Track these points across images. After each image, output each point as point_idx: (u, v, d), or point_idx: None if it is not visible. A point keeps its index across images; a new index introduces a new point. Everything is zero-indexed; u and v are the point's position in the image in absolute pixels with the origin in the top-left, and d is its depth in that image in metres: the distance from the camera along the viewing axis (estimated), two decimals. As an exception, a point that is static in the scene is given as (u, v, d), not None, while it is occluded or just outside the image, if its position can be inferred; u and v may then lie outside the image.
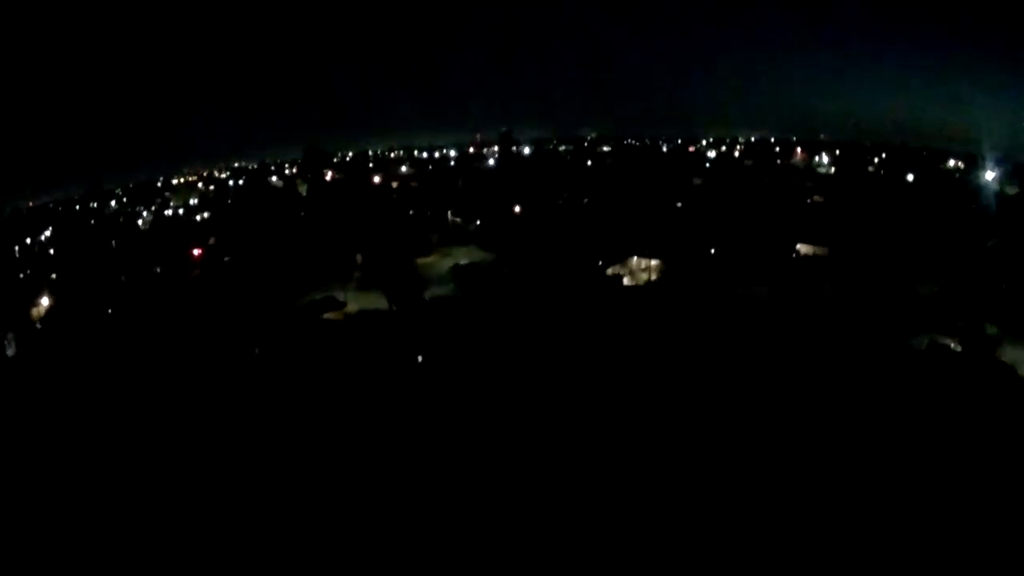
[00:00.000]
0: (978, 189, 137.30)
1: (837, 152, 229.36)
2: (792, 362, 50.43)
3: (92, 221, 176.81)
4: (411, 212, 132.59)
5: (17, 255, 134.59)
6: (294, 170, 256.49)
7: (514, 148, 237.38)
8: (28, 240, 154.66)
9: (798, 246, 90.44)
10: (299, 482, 38.19)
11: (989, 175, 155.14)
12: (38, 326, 76.14)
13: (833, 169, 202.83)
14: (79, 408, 50.11)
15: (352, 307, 74.99)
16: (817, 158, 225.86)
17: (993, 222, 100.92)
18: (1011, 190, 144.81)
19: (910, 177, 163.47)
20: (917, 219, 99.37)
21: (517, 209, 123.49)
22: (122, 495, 37.92)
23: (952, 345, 55.02)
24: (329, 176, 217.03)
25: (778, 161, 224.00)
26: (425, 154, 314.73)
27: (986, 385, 46.57)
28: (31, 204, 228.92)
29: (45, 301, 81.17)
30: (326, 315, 72.78)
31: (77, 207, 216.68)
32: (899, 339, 55.90)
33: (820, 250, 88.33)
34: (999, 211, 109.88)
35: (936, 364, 51.18)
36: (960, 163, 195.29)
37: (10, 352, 69.60)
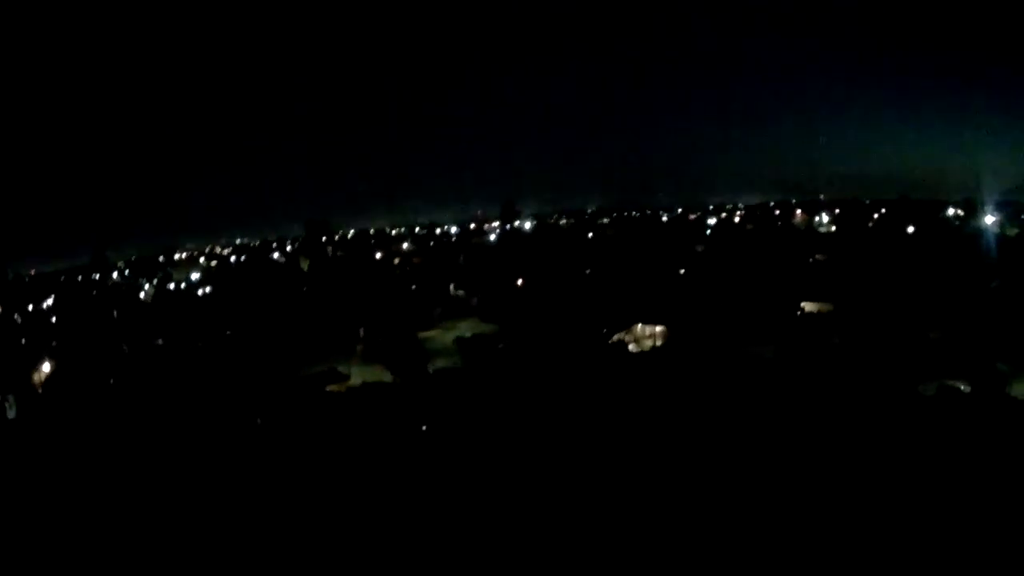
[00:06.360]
0: (978, 234, 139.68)
1: (837, 211, 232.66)
2: (803, 417, 49.90)
3: (95, 291, 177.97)
4: (413, 287, 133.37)
5: (19, 321, 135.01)
6: (296, 246, 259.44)
7: (515, 222, 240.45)
8: (30, 307, 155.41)
9: (803, 304, 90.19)
10: (301, 553, 37.50)
11: (989, 219, 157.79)
12: (39, 391, 75.93)
13: (834, 227, 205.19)
14: (78, 473, 49.50)
15: (355, 380, 74.20)
16: (817, 218, 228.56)
17: (995, 264, 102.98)
18: (1012, 232, 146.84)
19: (911, 229, 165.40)
20: (920, 268, 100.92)
21: (519, 282, 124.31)
22: (116, 567, 37.04)
23: (961, 387, 54.74)
24: (331, 252, 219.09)
25: (778, 223, 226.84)
26: (426, 230, 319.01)
27: (996, 421, 46.41)
28: (33, 272, 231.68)
29: (46, 367, 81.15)
30: (329, 387, 72.12)
31: (80, 277, 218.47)
32: (908, 387, 55.40)
33: (825, 306, 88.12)
34: (1001, 253, 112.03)
35: (946, 407, 50.78)
36: (959, 211, 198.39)
37: (11, 415, 69.54)
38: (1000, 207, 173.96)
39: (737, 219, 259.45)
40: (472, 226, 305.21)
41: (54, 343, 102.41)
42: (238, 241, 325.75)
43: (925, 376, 57.98)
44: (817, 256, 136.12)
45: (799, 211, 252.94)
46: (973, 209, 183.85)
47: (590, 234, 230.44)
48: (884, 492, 38.07)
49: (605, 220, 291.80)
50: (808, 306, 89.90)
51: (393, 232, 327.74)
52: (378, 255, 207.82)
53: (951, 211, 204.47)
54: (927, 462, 41.05)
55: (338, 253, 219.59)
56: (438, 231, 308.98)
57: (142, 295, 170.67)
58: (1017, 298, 77.55)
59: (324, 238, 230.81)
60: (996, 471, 39.04)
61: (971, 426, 45.69)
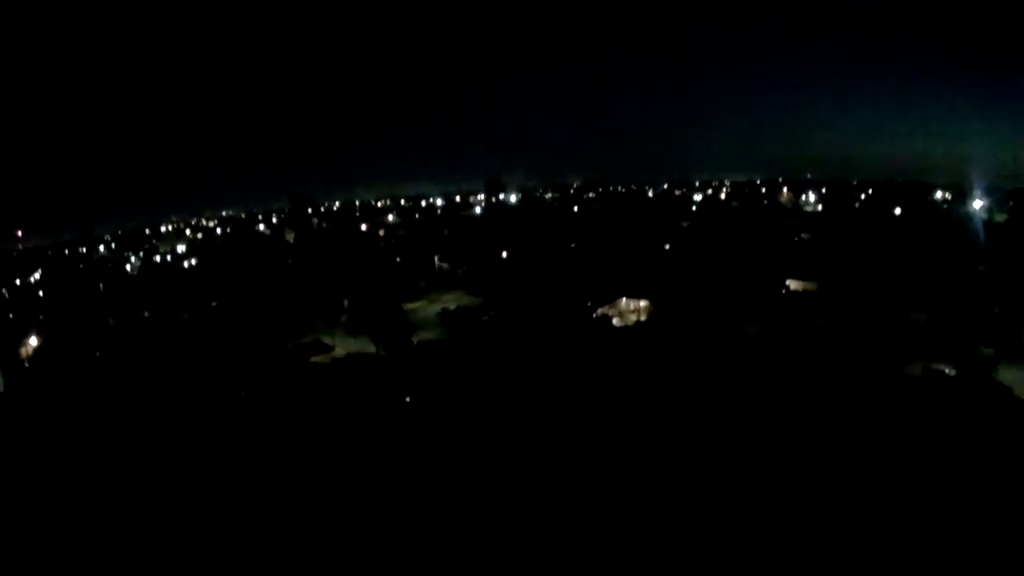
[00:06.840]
0: (966, 218, 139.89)
1: (824, 190, 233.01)
2: (786, 394, 51.09)
3: (81, 265, 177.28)
4: (398, 259, 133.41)
5: (7, 295, 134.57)
6: (281, 218, 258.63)
7: (501, 196, 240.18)
8: (18, 281, 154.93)
9: (788, 282, 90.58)
10: (289, 521, 38.46)
11: (977, 204, 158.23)
12: (27, 364, 76.34)
13: (820, 207, 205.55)
14: (65, 444, 50.37)
15: (340, 351, 75.25)
16: (804, 197, 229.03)
17: (983, 249, 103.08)
18: (1000, 218, 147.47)
19: (897, 211, 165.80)
20: (906, 250, 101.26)
21: (504, 255, 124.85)
22: (108, 537, 38.02)
23: (946, 370, 55.51)
24: (316, 224, 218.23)
25: (765, 201, 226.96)
26: (412, 203, 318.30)
27: (983, 406, 47.19)
28: (21, 247, 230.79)
29: (34, 340, 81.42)
30: (314, 358, 73.09)
31: (67, 251, 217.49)
32: (893, 368, 56.51)
33: (810, 285, 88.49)
34: (989, 238, 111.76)
35: (931, 389, 51.56)
36: (947, 195, 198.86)
37: None
38: (989, 192, 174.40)
39: (723, 196, 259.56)
40: (458, 199, 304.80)
41: (41, 317, 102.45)
42: (224, 213, 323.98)
43: (909, 358, 59.10)
44: (803, 235, 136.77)
45: (786, 189, 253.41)
46: (961, 193, 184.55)
47: (575, 208, 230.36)
48: (865, 471, 39.21)
49: (591, 194, 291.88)
50: (793, 284, 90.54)
51: (379, 204, 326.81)
52: (363, 227, 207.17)
53: (939, 194, 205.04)
54: (910, 443, 42.19)
55: (323, 225, 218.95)
56: (424, 203, 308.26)
57: (129, 268, 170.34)
58: (1004, 284, 77.89)
59: (310, 210, 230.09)
60: (981, 452, 40.16)
61: (956, 409, 46.59)
